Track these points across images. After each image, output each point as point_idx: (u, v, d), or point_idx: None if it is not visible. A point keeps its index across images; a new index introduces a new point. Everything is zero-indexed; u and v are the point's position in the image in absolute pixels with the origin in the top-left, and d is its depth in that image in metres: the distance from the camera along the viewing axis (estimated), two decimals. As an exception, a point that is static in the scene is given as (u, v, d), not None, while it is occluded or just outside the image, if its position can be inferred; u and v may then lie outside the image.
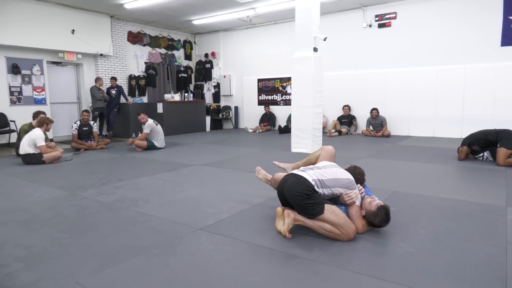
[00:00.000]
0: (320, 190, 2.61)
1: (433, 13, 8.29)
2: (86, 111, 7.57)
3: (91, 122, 7.63)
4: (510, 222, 2.84)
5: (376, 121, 8.82)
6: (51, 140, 7.15)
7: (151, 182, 4.49)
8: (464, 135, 5.85)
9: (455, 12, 8.03)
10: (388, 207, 2.62)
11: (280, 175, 3.06)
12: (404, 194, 3.70)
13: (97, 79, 9.02)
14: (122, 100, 9.53)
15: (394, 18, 8.82)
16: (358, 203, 2.66)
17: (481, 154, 5.43)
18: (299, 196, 2.53)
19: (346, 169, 2.90)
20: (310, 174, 2.68)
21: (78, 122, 7.39)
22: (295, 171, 2.80)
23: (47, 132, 6.17)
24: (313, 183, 2.60)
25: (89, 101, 9.27)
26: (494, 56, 7.68)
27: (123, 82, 10.26)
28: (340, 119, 9.44)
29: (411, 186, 4.06)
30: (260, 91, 11.24)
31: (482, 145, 5.36)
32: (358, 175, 2.93)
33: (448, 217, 3.01)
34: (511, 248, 2.37)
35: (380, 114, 8.83)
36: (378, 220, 2.60)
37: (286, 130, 9.47)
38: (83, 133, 7.43)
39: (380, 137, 8.47)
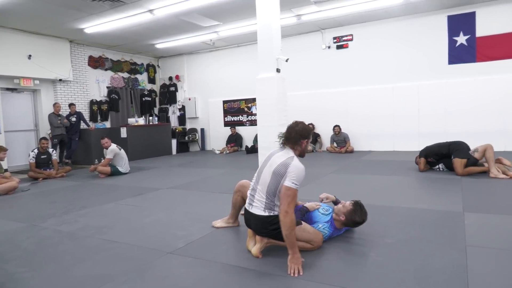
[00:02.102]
0: (276, 208, 2.47)
1: (385, 35, 8.83)
2: (44, 138, 7.25)
3: (50, 150, 7.30)
4: (467, 227, 3.00)
5: (339, 137, 9.10)
6: (6, 170, 6.74)
7: (116, 208, 4.34)
8: (421, 148, 6.16)
9: (406, 33, 8.60)
10: (359, 201, 2.79)
11: (239, 202, 3.14)
12: (370, 206, 3.80)
13: (54, 105, 8.69)
14: (83, 126, 9.22)
15: (351, 40, 9.30)
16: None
17: (437, 166, 5.76)
18: (267, 233, 2.56)
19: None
20: (258, 203, 2.53)
21: (36, 150, 7.05)
22: (247, 207, 2.65)
23: (1, 162, 5.82)
24: (267, 213, 2.48)
25: (48, 128, 8.90)
26: (443, 73, 8.25)
27: (84, 107, 9.97)
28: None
29: (376, 198, 4.19)
30: (226, 112, 11.31)
31: (437, 157, 5.70)
32: (300, 135, 2.57)
33: (412, 226, 3.13)
34: (471, 251, 2.50)
35: (343, 131, 9.14)
36: (358, 215, 2.73)
37: (253, 150, 9.53)
38: (42, 162, 7.08)
39: (344, 153, 8.73)
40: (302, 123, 2.62)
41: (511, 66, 7.61)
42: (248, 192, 2.70)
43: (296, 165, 2.41)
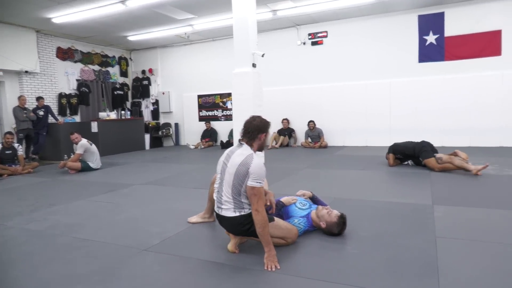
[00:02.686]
0: (247, 206, 2.46)
1: (359, 32, 8.99)
2: (9, 133, 6.91)
3: (16, 145, 6.97)
4: (437, 219, 3.12)
5: (314, 133, 9.22)
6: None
7: (88, 205, 4.21)
8: (392, 143, 6.33)
9: (378, 31, 8.80)
10: (345, 215, 2.80)
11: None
12: (344, 200, 3.90)
13: (19, 98, 8.29)
14: (51, 120, 8.86)
15: (326, 36, 9.40)
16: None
17: (406, 162, 5.95)
18: (241, 233, 2.55)
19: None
20: (227, 205, 2.49)
21: (0, 145, 6.71)
22: (217, 210, 2.60)
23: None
24: (237, 213, 2.46)
25: (13, 122, 8.48)
26: (413, 71, 8.51)
27: (52, 101, 9.57)
28: (280, 132, 9.71)
29: (350, 192, 4.29)
30: (201, 107, 11.19)
31: (402, 156, 5.90)
32: (258, 130, 2.55)
33: (384, 219, 3.22)
34: (440, 242, 2.60)
35: (317, 126, 9.26)
36: (339, 229, 2.75)
37: (228, 145, 9.49)
38: (6, 157, 6.75)
39: (318, 148, 8.86)
40: (259, 117, 2.61)
41: (477, 65, 7.94)
42: (215, 195, 2.65)
43: (256, 164, 2.39)
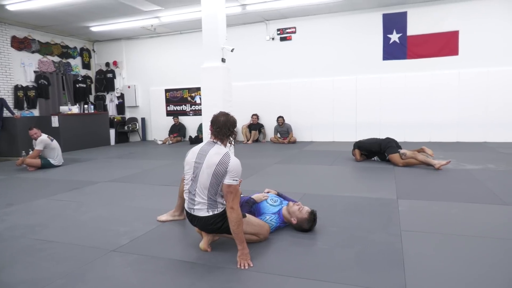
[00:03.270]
0: (220, 205, 2.45)
1: (327, 29, 9.14)
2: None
3: (-33, 140, 6.51)
4: (401, 213, 3.25)
5: (283, 128, 9.30)
6: None
7: (49, 204, 4.01)
8: (359, 138, 6.53)
9: (345, 28, 8.98)
10: (316, 212, 2.85)
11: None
12: (314, 196, 3.97)
13: None
14: (6, 114, 8.33)
15: (294, 32, 9.47)
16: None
17: (373, 158, 6.14)
18: (213, 231, 2.52)
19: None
20: (200, 206, 2.46)
21: (-51, 141, 6.24)
22: (189, 210, 2.56)
23: None
24: (210, 212, 2.44)
25: (-37, 116, 7.91)
26: (378, 68, 8.78)
27: (7, 93, 9.00)
28: (249, 127, 9.72)
29: (319, 187, 4.37)
30: (168, 101, 10.96)
31: (367, 153, 6.09)
32: (228, 127, 2.54)
33: (353, 213, 3.32)
34: (405, 235, 2.71)
35: (286, 121, 9.35)
36: (310, 225, 2.80)
37: (197, 140, 9.37)
38: (-44, 154, 6.29)
39: (287, 144, 8.95)
40: (227, 114, 2.59)
41: (436, 64, 8.33)
42: (185, 195, 2.58)
43: (234, 162, 2.39)
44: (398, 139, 6.19)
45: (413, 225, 2.94)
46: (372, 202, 3.66)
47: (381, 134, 8.50)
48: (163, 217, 3.28)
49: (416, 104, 8.43)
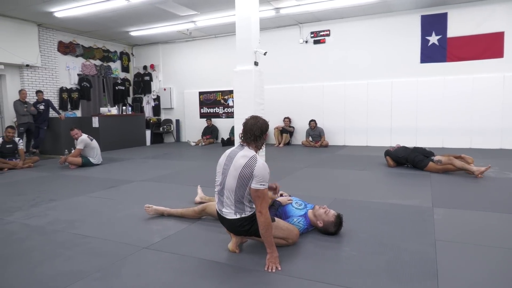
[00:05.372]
0: (248, 208, 2.46)
1: (362, 32, 8.97)
2: (10, 127, 6.91)
3: (16, 139, 6.97)
4: (437, 222, 3.12)
5: (315, 132, 9.21)
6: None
7: (88, 201, 4.21)
8: (393, 143, 6.34)
9: (381, 31, 8.77)
10: (342, 215, 2.83)
11: (212, 207, 3.17)
12: (344, 201, 3.90)
13: (20, 91, 8.28)
14: (52, 114, 8.85)
15: (328, 35, 9.37)
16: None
17: (405, 164, 5.90)
18: (242, 233, 2.54)
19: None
20: (229, 208, 2.48)
21: (0, 139, 6.72)
22: (218, 209, 2.58)
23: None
24: (238, 215, 2.45)
25: (13, 116, 8.48)
26: (415, 71, 8.49)
27: (53, 95, 9.57)
28: (281, 130, 9.71)
29: (350, 192, 4.29)
30: (202, 104, 11.18)
31: (397, 163, 5.87)
32: (254, 131, 2.48)
33: (384, 220, 3.23)
34: (440, 245, 2.60)
35: (318, 125, 9.26)
36: (336, 228, 2.78)
37: (229, 142, 9.49)
38: (7, 151, 6.75)
39: (319, 148, 8.86)
40: (259, 117, 2.57)
41: (479, 67, 7.93)
42: (216, 193, 2.61)
43: (261, 166, 2.37)
44: (436, 145, 5.97)
45: (449, 235, 2.82)
46: (406, 209, 3.55)
47: (417, 139, 8.23)
48: (198, 198, 3.83)
49: (456, 109, 8.06)
